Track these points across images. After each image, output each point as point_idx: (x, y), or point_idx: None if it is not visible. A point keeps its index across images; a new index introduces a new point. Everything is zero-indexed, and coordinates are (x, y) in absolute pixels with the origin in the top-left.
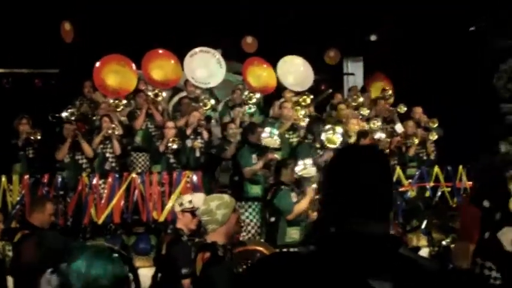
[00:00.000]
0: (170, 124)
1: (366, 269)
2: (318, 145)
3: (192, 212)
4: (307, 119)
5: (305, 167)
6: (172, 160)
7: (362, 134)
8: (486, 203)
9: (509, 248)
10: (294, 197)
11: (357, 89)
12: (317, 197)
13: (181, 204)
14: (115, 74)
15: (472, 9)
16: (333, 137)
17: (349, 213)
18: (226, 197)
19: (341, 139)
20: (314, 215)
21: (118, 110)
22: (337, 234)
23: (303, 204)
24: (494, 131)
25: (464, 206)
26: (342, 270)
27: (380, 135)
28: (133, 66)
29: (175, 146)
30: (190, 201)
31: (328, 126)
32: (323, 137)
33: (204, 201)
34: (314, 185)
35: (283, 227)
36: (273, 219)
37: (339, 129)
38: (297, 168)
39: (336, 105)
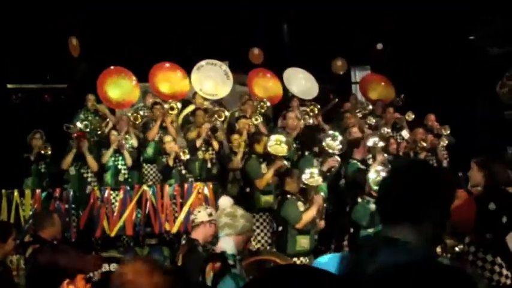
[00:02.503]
0: (168, 138)
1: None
2: (315, 151)
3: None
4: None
5: (312, 176)
6: (184, 171)
7: (354, 142)
8: (492, 206)
9: None
10: (301, 206)
11: (356, 97)
12: (325, 205)
13: (210, 215)
14: (117, 87)
15: (471, 18)
16: (333, 143)
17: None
18: (250, 215)
19: (340, 146)
20: (322, 223)
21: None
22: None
23: (311, 213)
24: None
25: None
26: None
27: (373, 140)
28: (134, 77)
29: (187, 156)
30: None
31: (329, 133)
32: (324, 143)
33: (231, 206)
34: (322, 194)
35: (293, 236)
36: (280, 228)
37: (339, 137)
38: (304, 177)
39: (343, 114)
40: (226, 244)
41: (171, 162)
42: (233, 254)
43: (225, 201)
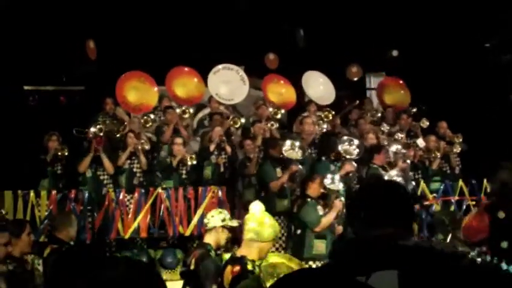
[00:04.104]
0: (179, 140)
1: (369, 265)
2: (332, 158)
3: (231, 229)
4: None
5: (333, 181)
6: (184, 176)
7: (375, 148)
8: (501, 214)
9: None
10: (320, 210)
11: (371, 102)
12: (344, 210)
13: (223, 220)
14: (136, 91)
15: (486, 26)
16: (350, 148)
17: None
18: (277, 225)
19: (358, 150)
20: (340, 228)
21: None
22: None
23: (330, 217)
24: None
25: (480, 212)
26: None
27: (396, 147)
28: (154, 82)
29: (194, 162)
30: (230, 219)
31: (345, 138)
32: (340, 148)
33: (262, 212)
34: (342, 198)
35: (309, 240)
36: (299, 231)
37: (356, 141)
38: (326, 182)
39: (356, 120)
40: (249, 249)
41: (174, 164)
42: (253, 260)
43: (257, 207)
